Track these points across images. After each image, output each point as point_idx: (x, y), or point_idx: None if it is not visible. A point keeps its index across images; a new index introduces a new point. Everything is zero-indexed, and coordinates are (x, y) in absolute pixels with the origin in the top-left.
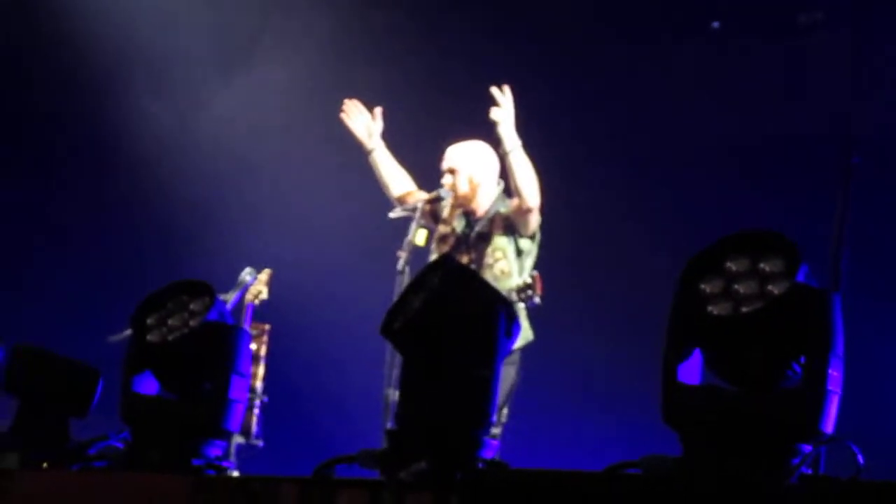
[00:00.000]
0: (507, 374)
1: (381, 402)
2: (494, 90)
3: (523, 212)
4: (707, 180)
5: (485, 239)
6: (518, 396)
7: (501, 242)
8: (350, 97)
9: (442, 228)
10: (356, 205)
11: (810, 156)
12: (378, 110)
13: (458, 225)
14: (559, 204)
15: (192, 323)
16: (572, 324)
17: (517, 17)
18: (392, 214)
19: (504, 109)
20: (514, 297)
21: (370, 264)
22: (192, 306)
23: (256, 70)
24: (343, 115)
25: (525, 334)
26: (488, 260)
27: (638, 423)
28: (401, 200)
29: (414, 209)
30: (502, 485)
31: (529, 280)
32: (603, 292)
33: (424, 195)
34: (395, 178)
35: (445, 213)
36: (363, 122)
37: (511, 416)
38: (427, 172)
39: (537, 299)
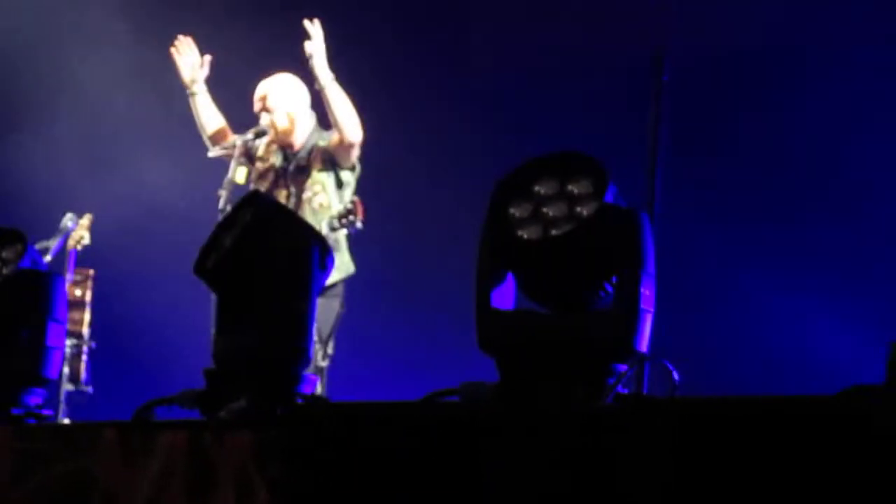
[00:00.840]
0: (331, 307)
1: (209, 346)
2: (306, 23)
3: (345, 146)
4: (518, 101)
5: (304, 172)
6: (342, 328)
7: (321, 176)
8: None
9: (260, 165)
10: (177, 146)
11: (620, 75)
12: (207, 58)
13: (276, 160)
14: (379, 133)
15: (4, 271)
16: (393, 253)
17: None
18: (211, 153)
19: (315, 43)
20: (335, 223)
21: (192, 204)
22: (3, 254)
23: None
24: (173, 50)
25: (346, 267)
26: (307, 194)
27: (460, 350)
28: (214, 140)
29: (233, 147)
30: (322, 419)
31: (350, 206)
32: (424, 220)
33: (239, 137)
34: (212, 120)
35: (261, 150)
36: (191, 63)
37: (336, 348)
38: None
39: (359, 224)
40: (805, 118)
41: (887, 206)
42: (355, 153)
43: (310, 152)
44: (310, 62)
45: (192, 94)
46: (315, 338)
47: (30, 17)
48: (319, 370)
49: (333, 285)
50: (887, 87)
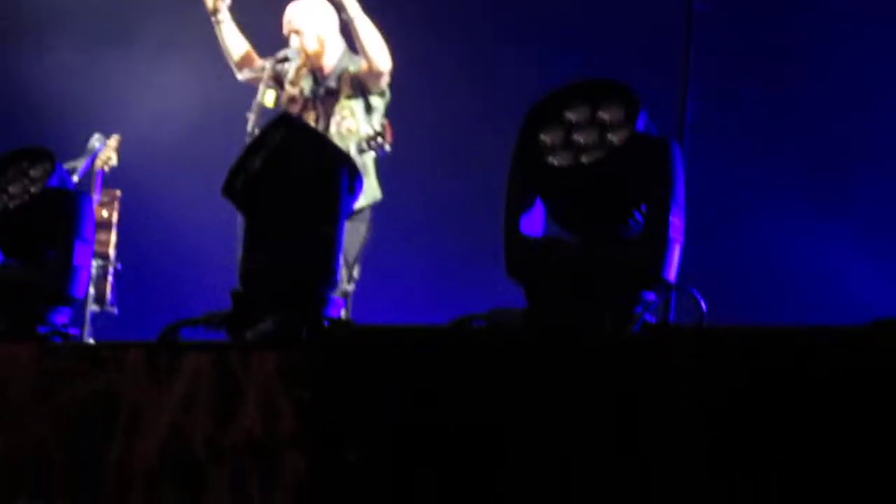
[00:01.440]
0: (357, 231)
1: (235, 266)
2: None
3: (374, 73)
4: (551, 26)
5: (333, 96)
6: (369, 253)
7: (350, 101)
8: None
9: (290, 89)
10: (206, 69)
11: (653, 2)
12: None
13: (306, 84)
14: (410, 59)
15: (32, 189)
16: (422, 179)
17: None
18: (240, 77)
19: None
20: (364, 145)
21: (221, 127)
22: (31, 173)
23: None
24: None
25: (373, 192)
26: (336, 118)
27: (488, 276)
28: (241, 65)
29: (262, 70)
30: (348, 342)
31: (379, 128)
32: (453, 145)
33: (268, 60)
34: (238, 46)
35: (291, 74)
36: None
37: (362, 272)
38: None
39: (387, 147)
40: (844, 54)
41: None
42: (385, 80)
43: (339, 76)
44: None
45: (217, 22)
46: (341, 261)
47: None
48: (345, 294)
49: (360, 210)
50: None
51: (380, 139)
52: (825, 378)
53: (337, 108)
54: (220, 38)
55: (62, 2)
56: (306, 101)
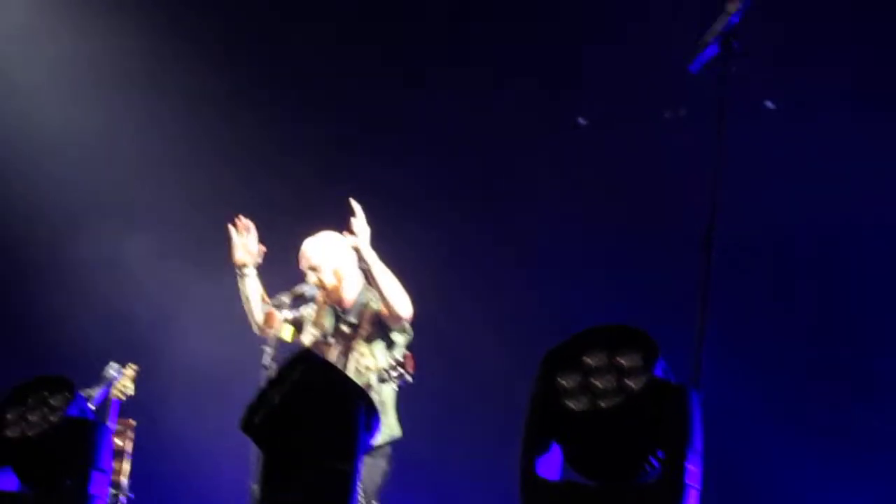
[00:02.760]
0: (378, 466)
1: (247, 498)
2: (351, 201)
3: (394, 319)
4: (568, 275)
5: (354, 330)
6: (387, 490)
7: (370, 338)
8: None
9: (313, 331)
10: (222, 298)
11: (673, 248)
12: (262, 248)
13: (328, 323)
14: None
15: (51, 418)
16: (439, 414)
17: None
18: (263, 335)
19: (359, 222)
20: (384, 375)
21: (237, 359)
22: (51, 401)
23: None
24: (231, 227)
25: (391, 430)
26: (355, 354)
27: None
28: (262, 328)
29: (280, 305)
30: None
31: (401, 358)
32: (471, 386)
33: (286, 293)
34: (258, 301)
35: (313, 315)
36: (243, 245)
37: None
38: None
39: (409, 378)
40: (861, 300)
41: None
42: (406, 322)
43: (360, 312)
44: (354, 242)
45: (242, 276)
46: (361, 496)
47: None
48: None
49: (381, 446)
50: None
51: (400, 369)
52: None
53: (355, 345)
54: (241, 290)
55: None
56: (325, 335)
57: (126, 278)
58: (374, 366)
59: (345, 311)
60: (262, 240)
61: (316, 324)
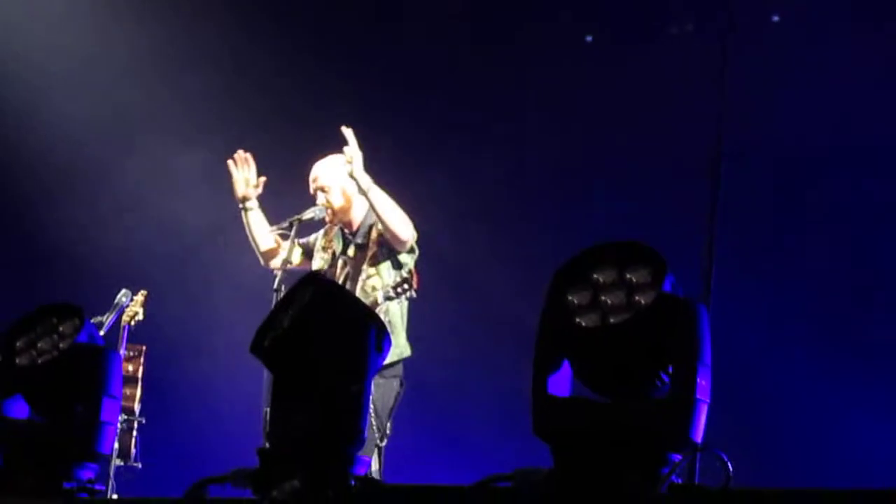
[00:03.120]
0: (391, 387)
1: (261, 421)
2: (343, 129)
3: (397, 242)
4: (578, 193)
5: (362, 251)
6: (399, 410)
7: (378, 259)
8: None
9: (323, 256)
10: (231, 223)
11: (680, 165)
12: (262, 179)
13: (338, 245)
14: (440, 217)
15: (61, 345)
16: (452, 335)
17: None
18: (269, 266)
19: (352, 149)
20: (391, 292)
21: (247, 283)
22: (61, 329)
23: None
24: (230, 163)
25: (401, 349)
26: (363, 275)
27: (515, 434)
28: (266, 256)
29: (289, 227)
30: (375, 501)
31: (406, 275)
32: (482, 303)
33: (295, 217)
34: (264, 239)
35: (321, 241)
36: (245, 179)
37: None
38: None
39: (413, 294)
40: (864, 215)
41: None
42: (410, 244)
43: (367, 233)
44: (349, 168)
45: (245, 210)
46: (373, 417)
47: (96, 97)
48: (378, 449)
49: (392, 365)
50: None
51: (406, 286)
52: None
53: (364, 267)
54: (246, 224)
55: (90, 158)
56: (335, 257)
57: (135, 208)
58: (380, 285)
59: (353, 233)
60: (268, 172)
61: (325, 248)
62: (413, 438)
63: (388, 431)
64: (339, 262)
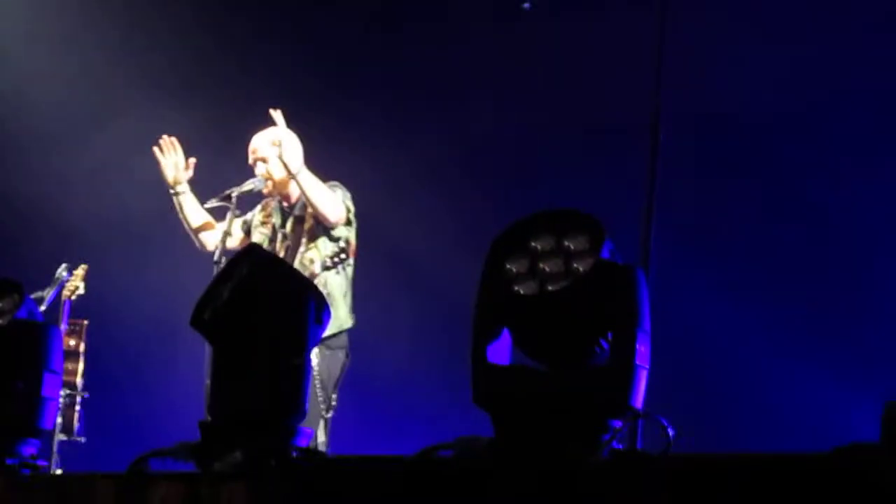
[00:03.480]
0: (336, 358)
1: (203, 395)
2: (271, 112)
3: (326, 222)
4: (516, 158)
5: (300, 223)
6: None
7: (315, 232)
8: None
9: (262, 230)
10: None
11: (620, 133)
12: (192, 160)
13: (276, 219)
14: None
15: (0, 321)
16: (390, 304)
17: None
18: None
19: (281, 131)
20: (328, 262)
21: (187, 255)
22: (0, 305)
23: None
24: (156, 149)
25: (341, 322)
26: (301, 248)
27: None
28: (199, 231)
29: (228, 198)
30: (317, 473)
31: (343, 245)
32: (420, 272)
33: (235, 189)
34: (197, 216)
35: (259, 216)
36: (174, 163)
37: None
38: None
39: (350, 262)
40: (803, 179)
41: (886, 268)
42: (339, 224)
43: (305, 206)
44: (278, 151)
45: (176, 194)
46: (319, 388)
47: (58, 62)
48: (324, 421)
49: (335, 336)
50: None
51: (343, 255)
52: None
53: (303, 241)
54: (178, 208)
55: (33, 135)
56: (273, 231)
57: (70, 184)
58: (318, 257)
59: (291, 206)
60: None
61: (264, 223)
62: (360, 410)
63: (333, 402)
64: (279, 237)
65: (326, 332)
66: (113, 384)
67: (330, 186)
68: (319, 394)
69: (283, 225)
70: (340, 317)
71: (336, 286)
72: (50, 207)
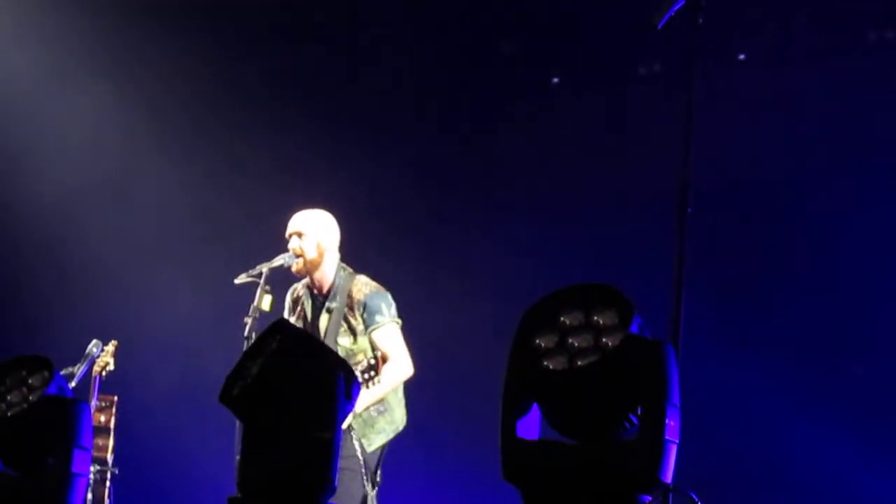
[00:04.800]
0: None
1: (233, 470)
2: None
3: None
4: (546, 234)
5: (334, 315)
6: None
7: (353, 323)
8: None
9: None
10: (200, 272)
11: (646, 209)
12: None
13: (308, 308)
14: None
15: (31, 398)
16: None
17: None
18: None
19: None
20: (358, 378)
21: (217, 331)
22: (30, 381)
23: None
24: None
25: (398, 426)
26: (334, 335)
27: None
28: None
29: (259, 275)
30: None
31: (373, 361)
32: (451, 349)
33: (265, 264)
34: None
35: (289, 301)
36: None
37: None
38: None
39: (376, 381)
40: (832, 251)
41: None
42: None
43: (338, 296)
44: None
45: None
46: (362, 467)
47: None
48: (371, 499)
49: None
50: None
51: (372, 372)
52: None
53: (339, 332)
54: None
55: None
56: (306, 324)
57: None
58: (362, 348)
59: (324, 295)
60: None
61: (293, 309)
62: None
63: (378, 480)
64: (317, 324)
65: (389, 437)
66: (143, 460)
67: (371, 293)
68: (363, 472)
69: (315, 312)
70: (397, 420)
71: (393, 395)
72: (82, 282)
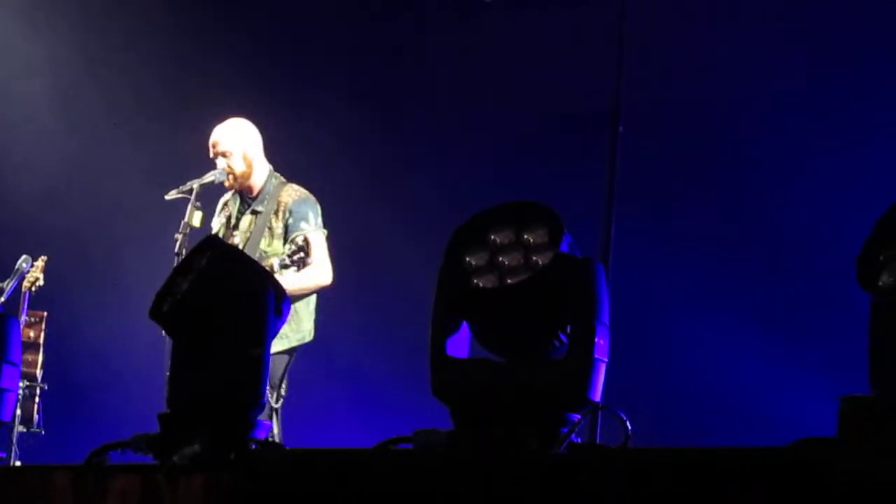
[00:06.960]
0: (281, 358)
1: (162, 386)
2: None
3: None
4: (476, 151)
5: (260, 217)
6: (297, 376)
7: (274, 225)
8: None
9: (220, 220)
10: (133, 188)
11: (579, 125)
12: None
13: (233, 208)
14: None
15: None
16: (349, 295)
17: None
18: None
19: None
20: (286, 261)
21: (148, 247)
22: None
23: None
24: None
25: (304, 336)
26: (261, 243)
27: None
28: None
29: (189, 191)
30: (276, 465)
31: (301, 243)
32: (380, 266)
33: (196, 181)
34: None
35: (220, 204)
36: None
37: (291, 388)
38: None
39: (309, 261)
40: (759, 169)
41: (842, 257)
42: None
43: (266, 200)
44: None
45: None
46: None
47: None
48: (275, 411)
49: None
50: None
51: (301, 254)
52: (751, 498)
53: (263, 237)
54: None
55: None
56: (229, 222)
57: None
58: (273, 251)
59: (253, 197)
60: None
61: (222, 211)
62: (318, 404)
63: (283, 392)
64: (239, 227)
65: (292, 344)
66: (72, 376)
67: (300, 199)
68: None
69: (241, 213)
70: (304, 329)
71: (302, 301)
72: (10, 197)
